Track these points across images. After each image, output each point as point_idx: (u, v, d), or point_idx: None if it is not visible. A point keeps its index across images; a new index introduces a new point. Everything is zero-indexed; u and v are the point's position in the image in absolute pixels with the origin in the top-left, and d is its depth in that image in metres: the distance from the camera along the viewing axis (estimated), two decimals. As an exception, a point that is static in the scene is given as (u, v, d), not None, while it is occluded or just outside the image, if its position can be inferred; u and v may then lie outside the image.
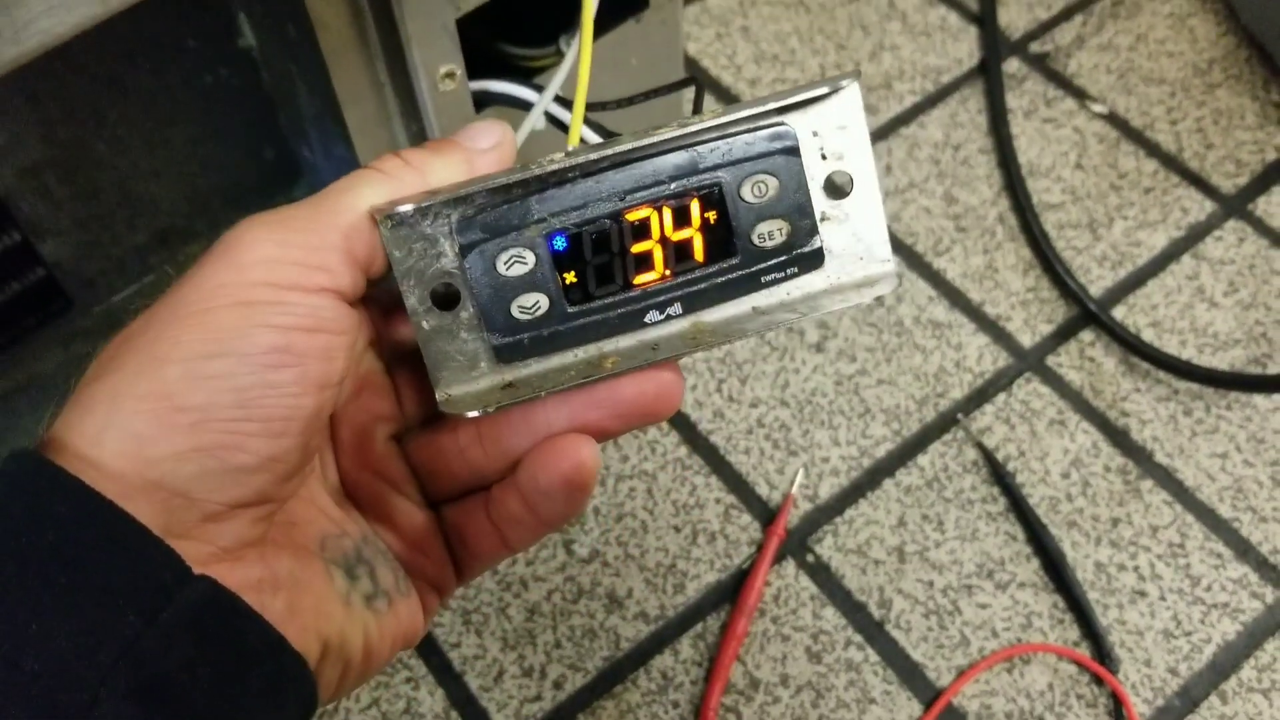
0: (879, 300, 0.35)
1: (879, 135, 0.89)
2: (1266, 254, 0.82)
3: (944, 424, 0.76)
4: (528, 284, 0.32)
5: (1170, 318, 0.80)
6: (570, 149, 0.32)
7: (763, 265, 0.33)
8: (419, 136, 0.54)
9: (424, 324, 0.33)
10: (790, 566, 0.71)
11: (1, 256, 0.67)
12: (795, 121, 0.32)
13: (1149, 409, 0.76)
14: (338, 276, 0.31)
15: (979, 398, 0.77)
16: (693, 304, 0.33)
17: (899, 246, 0.83)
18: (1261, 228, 0.84)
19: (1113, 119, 0.90)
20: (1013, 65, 0.93)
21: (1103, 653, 0.67)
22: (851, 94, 0.32)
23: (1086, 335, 0.80)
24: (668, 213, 0.32)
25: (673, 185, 0.32)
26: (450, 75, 0.51)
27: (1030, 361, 0.79)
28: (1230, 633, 0.68)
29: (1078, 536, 0.72)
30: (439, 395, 0.33)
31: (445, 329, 0.33)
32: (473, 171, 0.33)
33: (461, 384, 0.33)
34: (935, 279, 0.82)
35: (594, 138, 0.47)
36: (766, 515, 0.73)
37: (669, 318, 0.33)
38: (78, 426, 0.29)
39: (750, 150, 0.32)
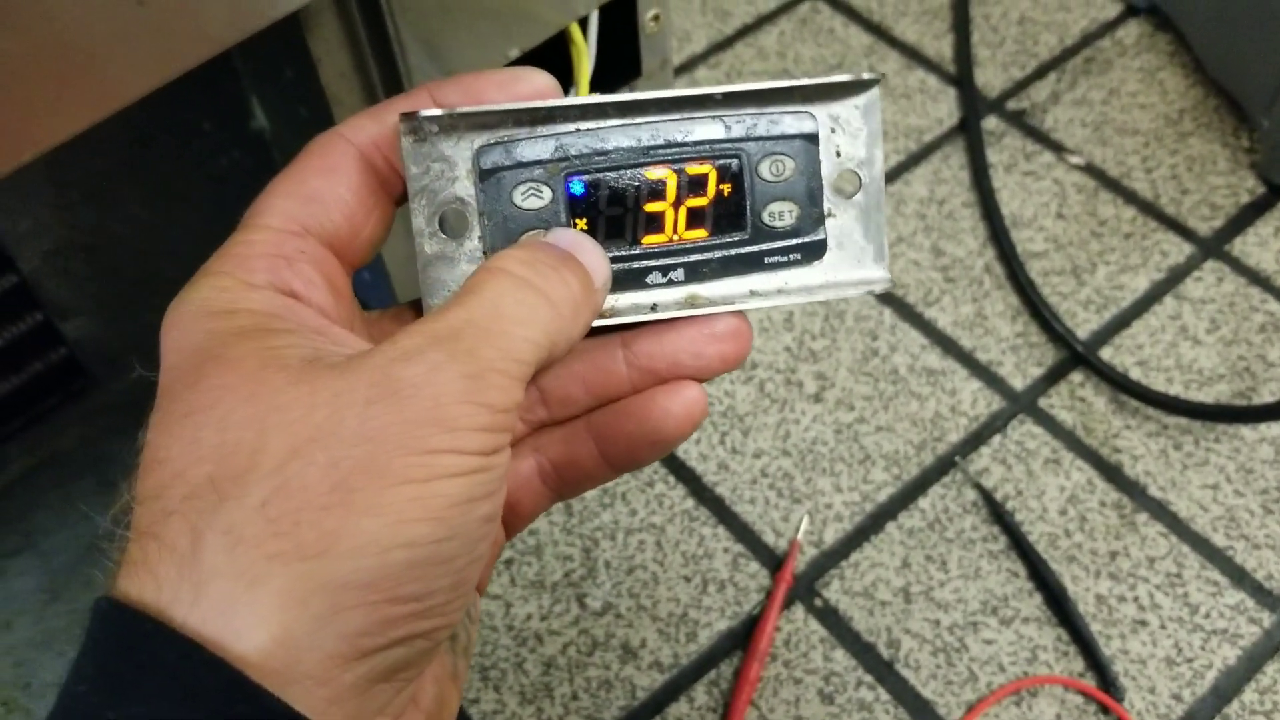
0: (869, 294, 0.36)
1: (850, 177, 0.92)
2: (1245, 291, 0.85)
3: (942, 467, 0.78)
4: (539, 220, 0.33)
5: (1156, 356, 0.83)
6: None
7: (768, 246, 0.34)
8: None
9: (426, 247, 0.32)
10: (799, 611, 0.73)
11: (25, 336, 0.70)
12: (818, 113, 0.34)
13: (1140, 445, 0.79)
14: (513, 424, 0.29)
15: (975, 440, 0.79)
16: (695, 273, 0.34)
17: (890, 299, 0.86)
18: (1239, 267, 0.87)
19: (1090, 170, 0.93)
20: (991, 123, 0.96)
21: (1108, 682, 0.69)
22: (873, 96, 0.34)
23: (1076, 376, 0.82)
24: (686, 176, 0.33)
25: (696, 149, 0.33)
26: (457, 144, 0.53)
27: (1023, 404, 0.81)
28: (1230, 658, 0.70)
29: (1078, 570, 0.73)
30: None
31: (447, 256, 0.33)
32: (594, 315, 0.32)
33: None
34: (927, 328, 0.85)
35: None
36: (774, 562, 0.75)
37: (670, 282, 0.34)
38: (268, 626, 0.25)
39: (773, 130, 0.34)
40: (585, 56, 0.56)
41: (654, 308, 0.34)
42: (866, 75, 0.34)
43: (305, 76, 0.54)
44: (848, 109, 0.34)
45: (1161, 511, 0.76)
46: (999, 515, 0.76)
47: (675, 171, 0.33)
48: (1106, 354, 0.83)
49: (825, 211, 0.35)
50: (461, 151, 0.32)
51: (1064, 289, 0.86)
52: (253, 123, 0.69)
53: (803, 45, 1.02)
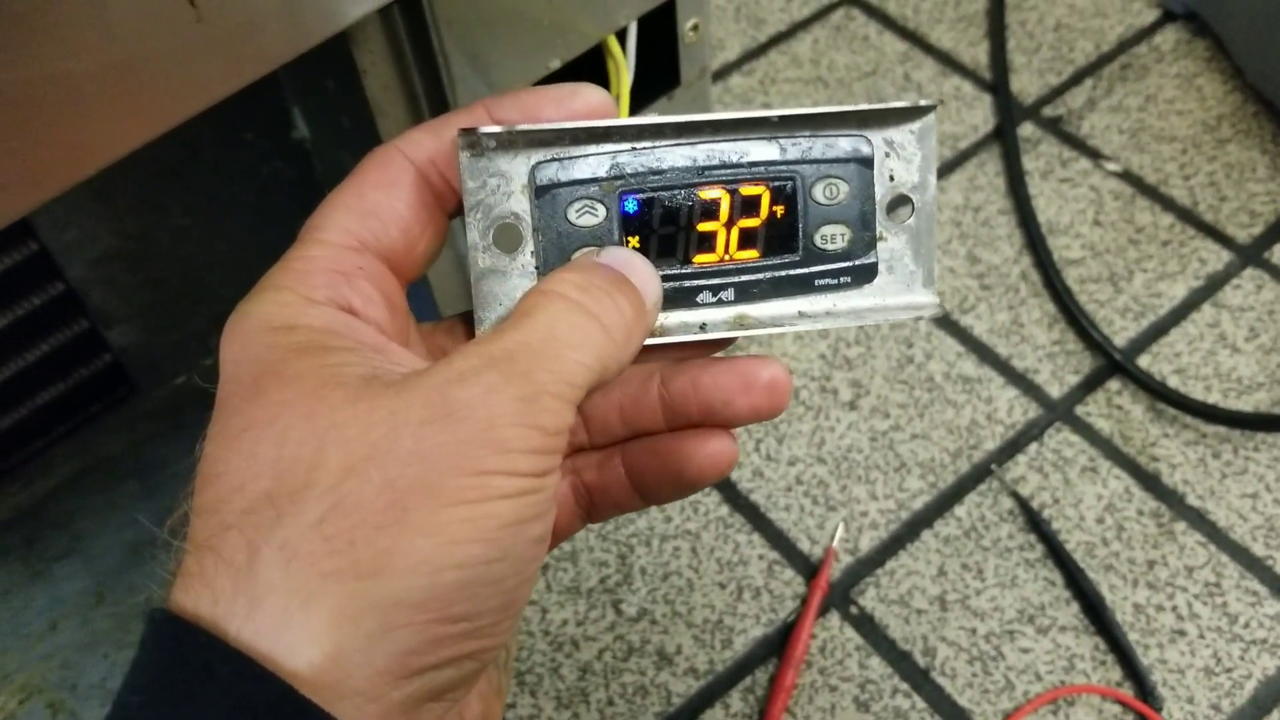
0: (917, 320, 0.36)
1: (902, 200, 0.92)
2: (1285, 300, 0.85)
3: (978, 475, 0.78)
4: (592, 237, 0.33)
5: (1194, 364, 0.82)
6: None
7: (819, 268, 0.35)
8: (469, 213, 0.57)
9: (480, 261, 0.33)
10: (834, 618, 0.73)
11: (71, 344, 0.71)
12: (873, 138, 0.34)
13: (1178, 453, 0.78)
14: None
15: (1011, 448, 0.79)
16: (745, 294, 0.34)
17: (925, 306, 0.86)
18: (1278, 275, 0.86)
19: (1127, 176, 0.93)
20: (1027, 129, 0.96)
21: (1146, 692, 0.69)
22: (928, 122, 0.34)
23: (1113, 384, 0.82)
24: (740, 197, 0.33)
25: (751, 170, 0.33)
26: (498, 154, 0.54)
27: (1060, 412, 0.81)
28: (1270, 668, 0.69)
29: (1115, 579, 0.73)
30: (479, 334, 0.33)
31: (500, 270, 0.33)
32: (645, 334, 0.32)
33: None
34: (963, 335, 0.85)
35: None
36: (809, 569, 0.75)
37: (720, 302, 0.34)
38: (321, 643, 0.25)
39: (829, 153, 0.34)
40: (624, 70, 0.57)
41: (703, 327, 0.34)
42: (923, 102, 0.34)
43: (348, 88, 0.55)
44: (903, 134, 0.34)
45: (1200, 521, 0.76)
46: (1036, 523, 0.76)
47: (729, 192, 0.33)
48: (1144, 362, 0.83)
49: (877, 235, 0.35)
50: (518, 167, 0.32)
51: (1101, 296, 0.86)
52: (294, 133, 0.70)
53: (837, 52, 1.02)
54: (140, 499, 0.72)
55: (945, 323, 0.85)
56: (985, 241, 0.90)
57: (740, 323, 0.34)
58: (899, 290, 0.35)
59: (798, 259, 0.34)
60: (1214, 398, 0.81)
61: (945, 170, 0.94)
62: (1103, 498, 0.77)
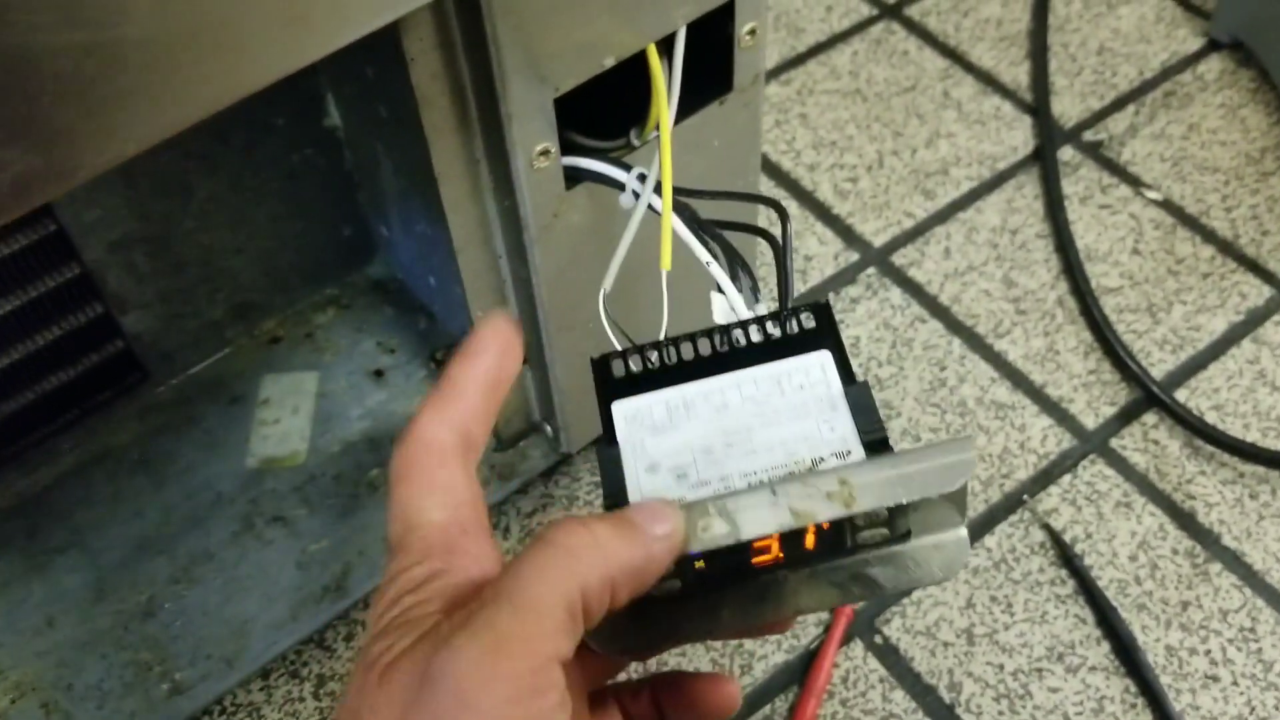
0: (950, 576, 0.40)
1: (938, 219, 0.90)
2: (1328, 339, 0.83)
3: (1010, 505, 0.76)
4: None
5: (1233, 401, 0.80)
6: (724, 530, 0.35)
7: (862, 549, 0.39)
8: (510, 212, 0.55)
9: None
10: (858, 648, 0.71)
11: (83, 329, 0.68)
12: None
13: (1215, 492, 0.76)
14: (562, 677, 0.32)
15: (1044, 479, 0.77)
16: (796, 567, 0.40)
17: (959, 328, 0.84)
18: (1321, 313, 0.84)
19: (1168, 205, 0.91)
20: (1067, 153, 0.94)
21: (1179, 739, 0.66)
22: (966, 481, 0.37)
23: (1149, 418, 0.80)
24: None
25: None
26: (545, 153, 0.52)
27: (1094, 443, 0.79)
28: (1309, 720, 0.67)
29: (1148, 620, 0.71)
30: (590, 640, 0.37)
31: None
32: (648, 556, 0.34)
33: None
34: (997, 361, 0.82)
35: (683, 230, 0.49)
36: (833, 595, 0.73)
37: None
38: None
39: None
40: (664, 94, 0.54)
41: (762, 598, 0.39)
42: (959, 481, 0.36)
43: (389, 76, 0.53)
44: None
45: (1236, 563, 0.73)
46: (1068, 558, 0.73)
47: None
48: (1182, 396, 0.81)
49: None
50: None
51: (1139, 327, 0.84)
52: (326, 120, 0.68)
53: (876, 66, 1.00)
54: (147, 493, 0.70)
55: (979, 346, 0.83)
56: (1022, 265, 0.88)
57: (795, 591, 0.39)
58: (933, 532, 0.39)
59: (845, 549, 0.39)
60: (1253, 436, 0.79)
61: (983, 191, 0.92)
62: (1136, 534, 0.75)
